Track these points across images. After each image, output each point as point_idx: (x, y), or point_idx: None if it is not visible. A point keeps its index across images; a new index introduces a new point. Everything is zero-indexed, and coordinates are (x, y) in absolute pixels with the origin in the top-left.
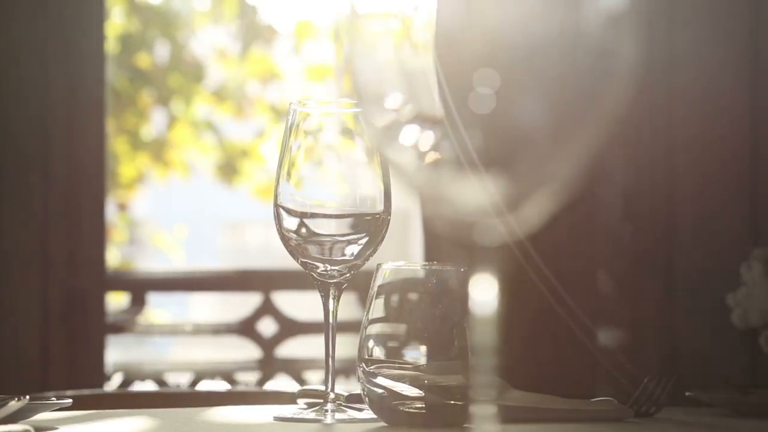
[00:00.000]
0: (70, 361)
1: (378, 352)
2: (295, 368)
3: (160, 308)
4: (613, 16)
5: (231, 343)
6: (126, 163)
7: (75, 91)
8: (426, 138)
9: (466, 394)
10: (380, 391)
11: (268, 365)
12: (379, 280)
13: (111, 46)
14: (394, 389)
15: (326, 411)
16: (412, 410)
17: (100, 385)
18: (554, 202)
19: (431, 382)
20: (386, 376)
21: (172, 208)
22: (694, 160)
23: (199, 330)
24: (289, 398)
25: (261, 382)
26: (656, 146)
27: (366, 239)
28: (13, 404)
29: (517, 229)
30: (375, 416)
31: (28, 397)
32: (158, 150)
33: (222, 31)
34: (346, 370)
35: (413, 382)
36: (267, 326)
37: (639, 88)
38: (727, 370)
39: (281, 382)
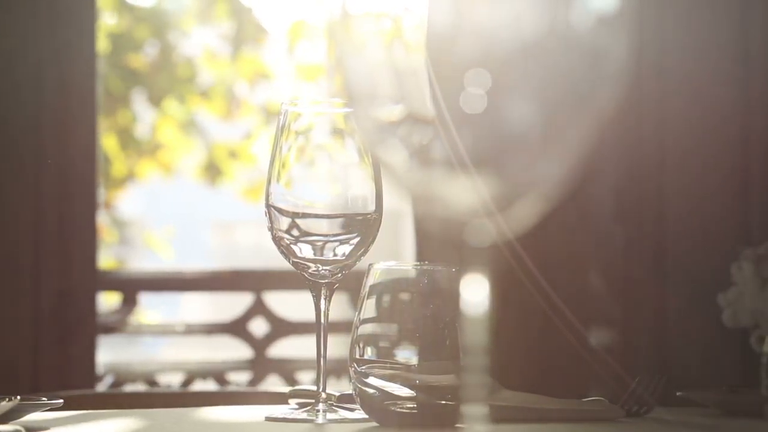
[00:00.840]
0: (61, 362)
1: (369, 352)
2: (286, 368)
3: (151, 308)
4: (604, 17)
5: (222, 343)
6: (116, 162)
7: (67, 91)
8: (417, 138)
9: (458, 394)
10: (372, 391)
11: (260, 365)
12: (370, 280)
13: (102, 45)
14: (385, 389)
15: (318, 411)
16: (403, 410)
17: (92, 386)
18: (545, 202)
19: (423, 382)
20: (378, 376)
21: (163, 209)
22: (685, 160)
23: (190, 330)
24: (280, 398)
25: (252, 382)
26: (647, 147)
27: (357, 239)
28: (4, 404)
29: (508, 229)
30: (366, 416)
31: (19, 397)
32: (148, 150)
33: (213, 32)
34: (338, 370)
35: (405, 382)
36: (258, 326)
37: (629, 89)
38: (718, 369)
39: (273, 383)
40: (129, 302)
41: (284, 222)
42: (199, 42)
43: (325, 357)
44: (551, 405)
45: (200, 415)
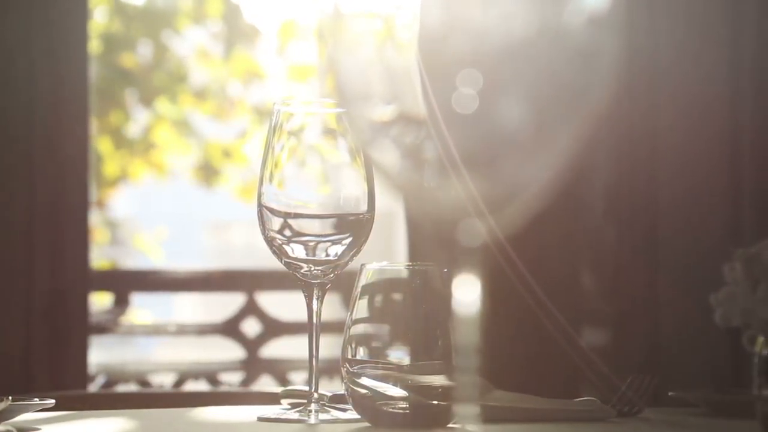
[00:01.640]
0: (53, 362)
1: (362, 353)
2: (278, 368)
3: (143, 308)
4: (595, 17)
5: (215, 343)
6: (109, 162)
7: (59, 91)
8: (409, 138)
9: (450, 394)
10: (364, 391)
11: (252, 365)
12: (362, 281)
13: (94, 45)
14: (377, 389)
15: (310, 411)
16: (395, 410)
17: (84, 386)
18: (537, 202)
19: (415, 382)
20: (370, 377)
21: (156, 209)
22: (677, 160)
23: (182, 330)
24: (272, 398)
25: (245, 382)
26: (638, 147)
27: (350, 239)
28: None
29: (500, 229)
30: (358, 416)
31: (10, 397)
32: (141, 150)
33: (205, 31)
34: (330, 370)
35: (397, 382)
36: (251, 326)
37: (620, 88)
38: (710, 369)
39: (265, 383)
40: (121, 302)
41: (276, 222)
42: (192, 42)
43: (317, 357)
44: (543, 405)
45: (192, 416)
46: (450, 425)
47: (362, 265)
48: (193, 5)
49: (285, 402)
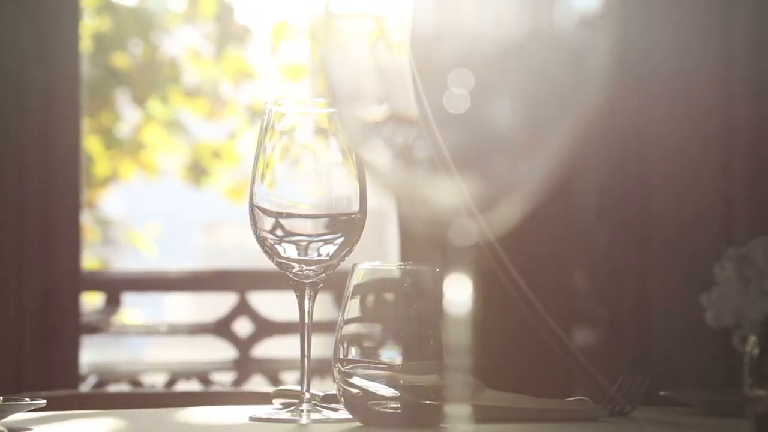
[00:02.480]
0: (44, 362)
1: (353, 352)
2: (270, 368)
3: (135, 308)
4: (587, 17)
5: (207, 343)
6: (99, 162)
7: (50, 91)
8: (401, 138)
9: (442, 394)
10: (356, 391)
11: (244, 365)
12: (354, 280)
13: (86, 45)
14: (369, 389)
15: (302, 411)
16: (387, 410)
17: (75, 386)
18: (528, 203)
19: (406, 382)
20: (362, 376)
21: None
22: (669, 160)
23: (174, 330)
24: (264, 398)
25: (236, 382)
26: (631, 147)
27: (341, 239)
28: None
29: (492, 229)
30: (350, 416)
31: (1, 397)
32: (132, 150)
33: (197, 31)
34: (322, 370)
35: (388, 382)
36: (243, 326)
37: (612, 88)
38: (702, 369)
39: (257, 383)
40: (112, 302)
41: (268, 222)
42: (183, 41)
43: (309, 357)
44: (534, 405)
45: (184, 416)
46: (442, 425)
47: (354, 264)
48: (185, 5)
49: (277, 402)
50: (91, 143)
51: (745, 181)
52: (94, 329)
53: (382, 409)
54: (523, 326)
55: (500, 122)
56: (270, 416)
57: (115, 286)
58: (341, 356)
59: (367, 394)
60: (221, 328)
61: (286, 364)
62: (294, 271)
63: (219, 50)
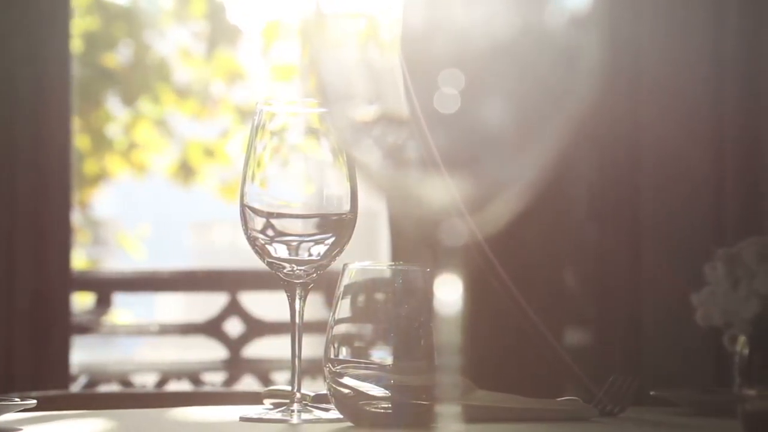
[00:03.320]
0: (34, 362)
1: (344, 352)
2: (261, 368)
3: (125, 308)
4: (577, 17)
5: (197, 343)
6: (89, 162)
7: (41, 91)
8: (392, 138)
9: (432, 394)
10: (346, 391)
11: (235, 365)
12: (345, 280)
13: (76, 45)
14: (360, 389)
15: (292, 411)
16: (378, 410)
17: (65, 386)
18: (519, 202)
19: (397, 382)
20: (352, 376)
21: (137, 209)
22: (659, 160)
23: (165, 330)
24: (255, 398)
25: (227, 382)
26: (621, 146)
27: (332, 239)
28: None
29: (482, 229)
30: (341, 416)
31: None
32: (122, 149)
33: (187, 31)
34: (313, 370)
35: (379, 382)
36: (233, 326)
37: (603, 88)
38: (691, 369)
39: (248, 383)
40: (103, 302)
41: (259, 222)
42: (174, 41)
43: (299, 357)
44: (525, 405)
45: (175, 416)
46: (432, 425)
47: (345, 264)
48: (176, 5)
49: (268, 402)
50: (81, 143)
51: (736, 181)
52: (84, 329)
53: (373, 409)
54: (513, 326)
55: (491, 122)
56: (261, 416)
57: (105, 286)
58: (332, 356)
59: (358, 394)
60: (212, 328)
61: (277, 364)
62: (285, 271)
63: (210, 50)
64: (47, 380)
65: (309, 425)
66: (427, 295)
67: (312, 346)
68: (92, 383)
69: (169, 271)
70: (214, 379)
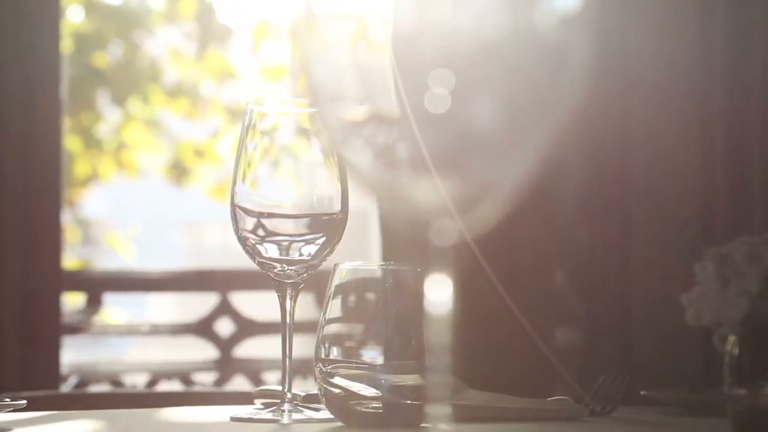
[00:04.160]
0: (25, 362)
1: (335, 352)
2: (252, 368)
3: (116, 308)
4: (567, 17)
5: (188, 343)
6: (80, 162)
7: (31, 90)
8: (382, 138)
9: (423, 394)
10: (337, 391)
11: (226, 365)
12: (336, 280)
13: (66, 45)
14: (351, 389)
15: (283, 411)
16: (369, 410)
17: (56, 386)
18: (509, 202)
19: (388, 382)
20: (343, 376)
21: (128, 209)
22: (648, 159)
23: (156, 330)
24: (245, 398)
25: (218, 382)
26: (611, 146)
27: (323, 239)
28: None
29: (472, 228)
30: (332, 416)
31: None
32: (112, 149)
33: (178, 31)
34: (304, 370)
35: (370, 381)
36: (224, 326)
37: (593, 89)
38: (682, 369)
39: (238, 383)
40: (94, 302)
41: (250, 222)
42: (165, 41)
43: (290, 357)
44: (515, 404)
45: (165, 416)
46: (423, 425)
47: (335, 264)
48: (167, 5)
49: (258, 402)
50: (71, 143)
51: (726, 180)
52: (75, 329)
53: (364, 409)
54: (504, 326)
55: (481, 122)
56: (251, 416)
57: (96, 286)
58: (323, 356)
59: (349, 394)
60: (203, 328)
61: (268, 364)
62: (275, 271)
63: (200, 50)
64: (37, 380)
65: (300, 425)
66: (418, 295)
67: (303, 346)
68: (83, 383)
69: (159, 271)
70: (205, 379)
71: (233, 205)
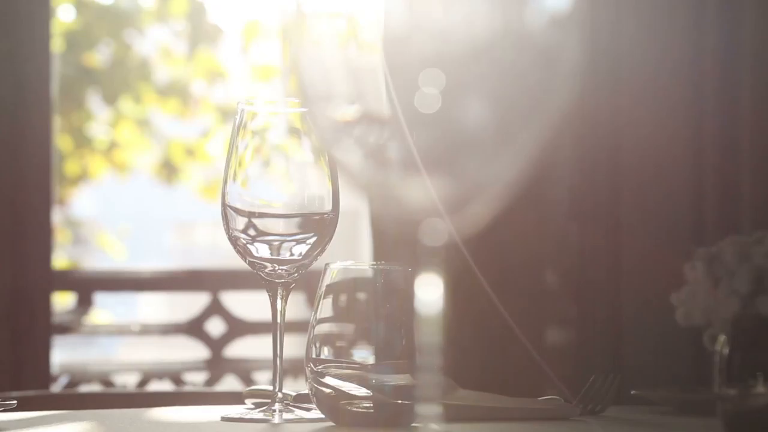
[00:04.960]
0: (15, 362)
1: (326, 352)
2: (243, 368)
3: (106, 308)
4: (557, 17)
5: (179, 343)
6: (70, 161)
7: (21, 90)
8: (373, 138)
9: (414, 394)
10: (328, 390)
11: (216, 365)
12: (327, 280)
13: (56, 43)
14: (341, 389)
15: (274, 411)
16: (359, 410)
17: (46, 386)
18: (499, 202)
19: (378, 382)
20: (334, 376)
21: (118, 208)
22: (639, 159)
23: (146, 330)
24: (236, 398)
25: (209, 382)
26: (601, 146)
27: (314, 239)
28: None
29: (463, 228)
30: (323, 416)
31: None
32: (103, 149)
33: (169, 30)
34: (294, 369)
35: (361, 381)
36: (215, 326)
37: (583, 89)
38: (672, 368)
39: (229, 383)
40: (84, 302)
41: (240, 222)
42: (155, 40)
43: (281, 357)
44: (506, 404)
45: (156, 416)
46: (414, 424)
47: (326, 264)
48: (157, 4)
49: (249, 402)
50: (61, 142)
51: (716, 181)
52: (65, 329)
53: (355, 409)
54: (494, 326)
55: (471, 122)
56: (242, 416)
57: (86, 286)
58: (314, 356)
59: (340, 393)
60: (193, 328)
61: (259, 364)
62: (266, 270)
63: (191, 49)
64: (28, 380)
65: (290, 425)
66: (409, 295)
67: (293, 346)
68: (73, 383)
69: (150, 271)
70: (196, 379)
71: (224, 205)
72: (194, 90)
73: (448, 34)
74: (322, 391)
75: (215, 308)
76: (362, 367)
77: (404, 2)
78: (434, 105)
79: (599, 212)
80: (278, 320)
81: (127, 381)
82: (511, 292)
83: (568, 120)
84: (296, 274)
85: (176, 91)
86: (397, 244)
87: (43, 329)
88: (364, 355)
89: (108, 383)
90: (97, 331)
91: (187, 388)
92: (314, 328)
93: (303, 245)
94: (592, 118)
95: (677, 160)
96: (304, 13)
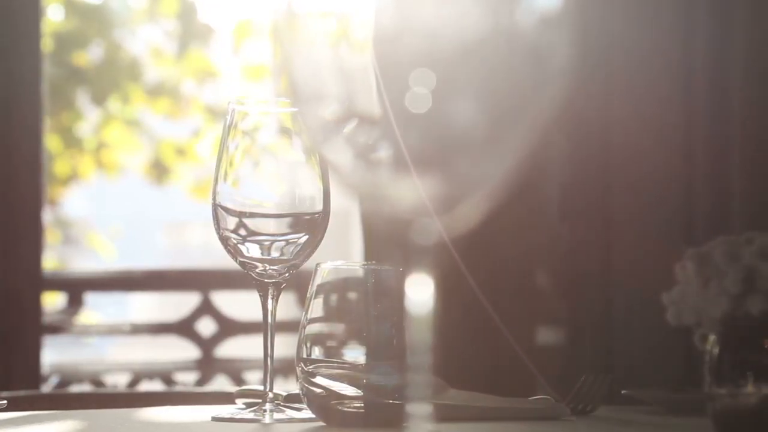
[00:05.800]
0: (5, 362)
1: (316, 352)
2: (233, 368)
3: (97, 308)
4: (548, 16)
5: (169, 343)
6: (59, 161)
7: (11, 90)
8: (363, 137)
9: (404, 394)
10: (319, 390)
11: (207, 365)
12: (317, 280)
13: (46, 43)
14: (332, 389)
15: (265, 411)
16: (350, 410)
17: (37, 386)
18: (490, 202)
19: (369, 382)
20: (325, 376)
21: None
22: (630, 159)
23: (137, 330)
24: (227, 398)
25: (199, 382)
26: (592, 145)
27: (305, 239)
28: None
29: (454, 227)
30: (314, 416)
31: None
32: (93, 148)
33: (159, 30)
34: (285, 369)
35: (352, 381)
36: (206, 326)
37: (574, 88)
38: (662, 368)
39: (220, 383)
40: (75, 302)
41: (231, 221)
42: (146, 40)
43: (272, 357)
44: (497, 404)
45: (147, 416)
46: (405, 424)
47: (317, 264)
48: (148, 3)
49: (240, 402)
50: (51, 142)
51: (706, 180)
52: (55, 329)
53: (345, 409)
54: (485, 325)
55: (462, 121)
56: (233, 416)
57: (77, 286)
58: (304, 356)
59: (331, 393)
60: (184, 328)
61: (250, 364)
62: (257, 270)
63: (181, 49)
64: (18, 380)
65: (281, 425)
66: (399, 295)
67: (284, 346)
68: (63, 383)
69: (141, 271)
70: (187, 379)
71: (215, 205)
72: (185, 90)
73: (438, 34)
74: (312, 391)
75: (206, 308)
76: (353, 366)
77: (395, 2)
78: (425, 104)
79: (590, 212)
80: (269, 320)
81: (118, 381)
82: (503, 291)
83: (559, 119)
84: (287, 274)
85: (166, 91)
86: (388, 243)
87: (33, 329)
88: (354, 354)
89: (99, 383)
90: (87, 331)
91: (177, 388)
92: (305, 327)
93: (294, 245)
94: (582, 116)
95: (668, 159)
96: (294, 12)
